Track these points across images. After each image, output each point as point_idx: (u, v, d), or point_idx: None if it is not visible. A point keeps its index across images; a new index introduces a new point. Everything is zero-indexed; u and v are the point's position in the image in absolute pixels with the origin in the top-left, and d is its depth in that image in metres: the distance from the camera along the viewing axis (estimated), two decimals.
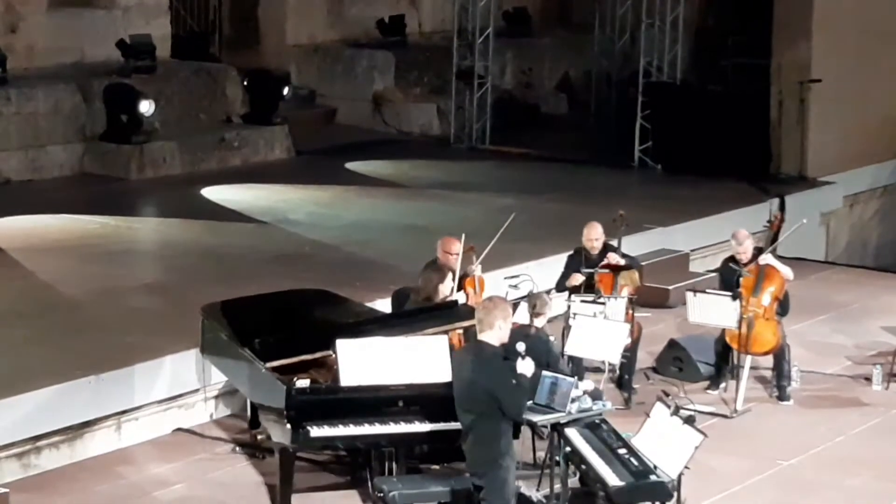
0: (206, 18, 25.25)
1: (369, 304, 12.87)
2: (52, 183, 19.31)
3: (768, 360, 13.31)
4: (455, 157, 22.18)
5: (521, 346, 9.54)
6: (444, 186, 19.92)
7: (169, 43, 22.36)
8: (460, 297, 12.27)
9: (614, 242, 13.46)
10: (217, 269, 15.29)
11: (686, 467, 9.65)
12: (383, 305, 13.23)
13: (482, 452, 9.29)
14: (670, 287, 15.82)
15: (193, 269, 15.30)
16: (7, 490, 10.19)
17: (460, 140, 22.98)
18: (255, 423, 11.54)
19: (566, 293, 13.06)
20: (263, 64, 23.74)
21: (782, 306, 13.15)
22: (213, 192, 19.05)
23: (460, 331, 11.45)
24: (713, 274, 14.88)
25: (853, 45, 21.08)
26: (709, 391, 13.32)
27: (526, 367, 9.49)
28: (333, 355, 10.55)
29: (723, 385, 13.31)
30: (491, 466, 9.28)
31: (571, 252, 13.44)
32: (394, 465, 10.63)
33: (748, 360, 12.99)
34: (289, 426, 10.22)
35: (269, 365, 10.62)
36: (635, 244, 15.08)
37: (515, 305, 11.41)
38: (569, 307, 12.72)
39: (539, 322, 11.59)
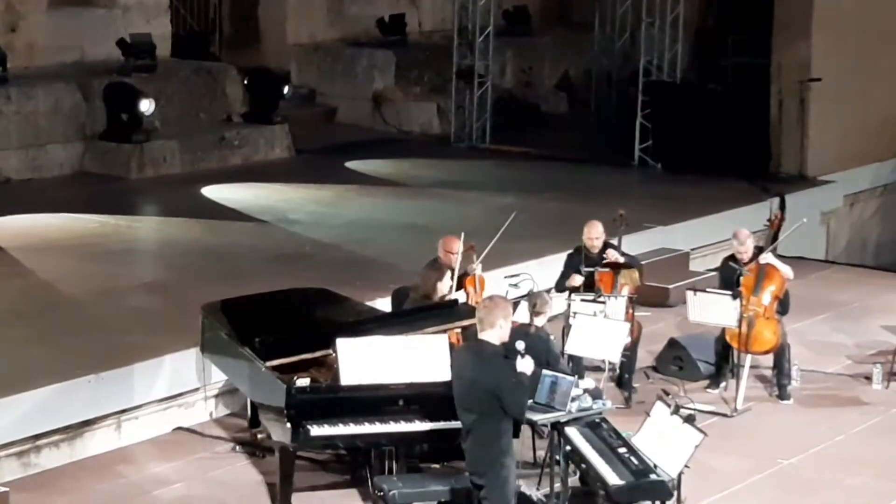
0: (207, 17, 25.26)
1: (369, 303, 12.87)
2: (52, 182, 19.31)
3: (768, 359, 13.31)
4: (455, 156, 22.17)
5: (520, 345, 9.54)
6: (444, 185, 19.92)
7: (169, 42, 22.37)
8: (460, 296, 12.28)
9: (614, 241, 13.46)
10: (217, 268, 15.29)
11: (686, 466, 9.65)
12: (383, 304, 13.24)
13: (483, 452, 9.28)
14: (670, 286, 15.81)
15: (193, 269, 15.30)
16: (7, 489, 10.20)
17: (460, 139, 22.98)
18: (255, 422, 11.54)
19: (566, 292, 13.05)
20: (264, 63, 23.74)
21: (782, 305, 13.14)
22: (213, 192, 19.05)
23: (458, 330, 11.46)
24: (713, 273, 14.90)
25: (853, 44, 21.08)
26: (709, 390, 13.31)
27: (525, 365, 9.48)
28: (333, 354, 10.55)
29: (723, 384, 13.30)
30: (492, 466, 9.27)
31: (571, 251, 13.44)
32: (394, 464, 10.63)
33: (748, 359, 12.98)
34: (289, 425, 10.22)
35: (269, 364, 10.62)
36: (635, 243, 15.08)
37: (516, 304, 11.41)
38: (569, 306, 12.71)
39: (539, 321, 11.58)
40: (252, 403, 11.41)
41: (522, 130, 23.53)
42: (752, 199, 19.28)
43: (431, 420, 10.36)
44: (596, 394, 10.81)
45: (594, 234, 13.22)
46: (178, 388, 12.24)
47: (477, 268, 12.61)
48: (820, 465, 11.78)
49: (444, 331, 11.04)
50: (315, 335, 10.97)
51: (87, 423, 11.61)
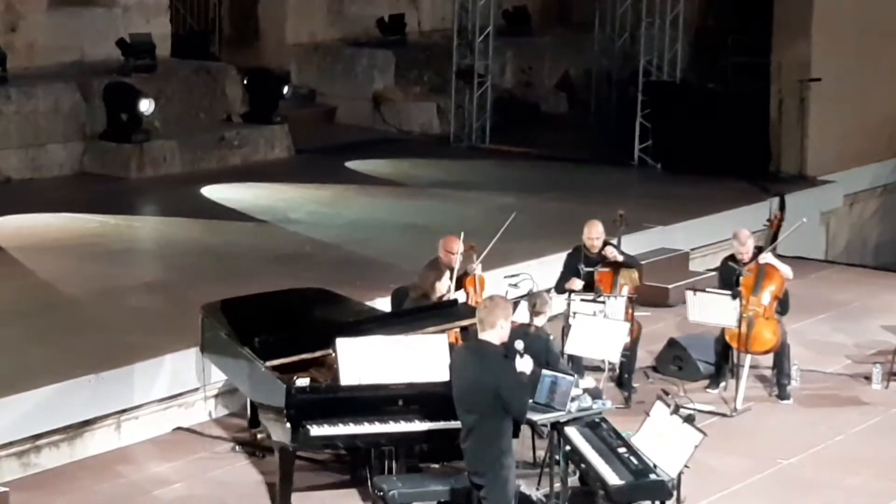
0: (206, 17, 25.25)
1: (369, 303, 12.87)
2: (52, 182, 19.31)
3: (768, 359, 13.32)
4: (455, 156, 22.17)
5: (519, 345, 9.55)
6: (444, 185, 19.92)
7: (169, 42, 22.36)
8: (460, 296, 12.28)
9: (614, 241, 13.46)
10: (217, 268, 15.29)
11: (686, 466, 9.65)
12: (383, 304, 13.25)
13: (484, 452, 9.28)
14: (670, 286, 15.81)
15: (193, 268, 15.30)
16: (7, 489, 10.19)
17: (460, 139, 22.98)
18: (254, 421, 11.54)
19: (566, 293, 13.05)
20: (263, 63, 23.74)
21: (782, 305, 13.15)
22: (212, 191, 19.04)
23: (458, 329, 11.46)
24: (713, 273, 14.89)
25: (853, 44, 21.09)
26: (708, 390, 13.31)
27: (524, 365, 9.49)
28: (333, 354, 10.55)
29: (722, 384, 13.30)
30: (492, 466, 9.27)
31: (570, 251, 13.44)
32: (393, 464, 10.63)
33: (748, 359, 12.98)
34: (288, 425, 10.22)
35: (268, 364, 10.62)
36: (635, 243, 15.08)
37: (515, 304, 11.41)
38: (569, 306, 12.71)
39: (539, 321, 11.58)
40: (252, 403, 11.41)
41: (522, 130, 23.53)
42: (751, 199, 19.27)
43: (431, 420, 10.37)
44: (595, 394, 10.81)
45: (594, 234, 13.22)
46: (178, 388, 12.24)
47: (477, 268, 12.61)
48: (820, 464, 11.78)
49: (444, 331, 11.04)
50: (315, 335, 10.97)
51: (87, 423, 11.61)
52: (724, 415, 12.65)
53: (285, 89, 21.83)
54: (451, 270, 12.35)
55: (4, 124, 19.12)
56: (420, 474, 10.62)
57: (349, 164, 21.14)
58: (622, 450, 9.84)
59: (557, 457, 10.32)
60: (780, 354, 13.09)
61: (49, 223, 17.10)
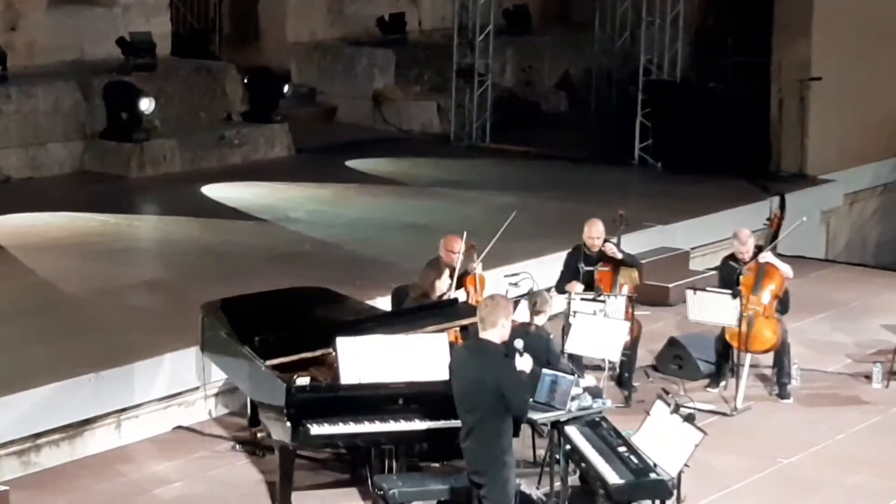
0: (207, 16, 25.25)
1: (369, 302, 12.87)
2: (52, 181, 19.30)
3: (768, 358, 13.32)
4: (455, 155, 22.17)
5: (518, 344, 9.55)
6: (444, 184, 19.91)
7: (169, 41, 22.36)
8: (461, 295, 12.28)
9: (614, 240, 13.44)
10: (217, 267, 15.29)
11: (686, 465, 9.65)
12: (383, 303, 13.24)
13: (484, 451, 9.27)
14: (670, 285, 15.81)
15: (193, 267, 15.30)
16: (7, 488, 10.17)
17: (460, 138, 22.97)
18: (255, 420, 11.54)
19: (566, 293, 13.05)
20: (263, 62, 23.73)
21: (782, 304, 13.15)
22: (213, 190, 19.04)
23: (457, 329, 11.46)
24: (713, 272, 14.89)
25: (853, 43, 21.08)
26: (709, 389, 13.31)
27: (524, 363, 9.49)
28: (333, 353, 10.55)
29: (723, 383, 13.30)
30: (493, 465, 9.26)
31: (570, 250, 13.44)
32: (393, 463, 10.63)
33: (748, 359, 12.98)
34: (289, 424, 10.22)
35: (268, 363, 10.62)
36: (635, 242, 15.07)
37: (516, 303, 11.41)
38: (569, 305, 12.71)
39: (539, 320, 11.58)
40: (252, 402, 11.41)
41: (522, 129, 23.52)
42: (752, 198, 19.27)
43: (431, 419, 10.37)
44: (596, 393, 10.81)
45: (595, 233, 13.21)
46: (178, 387, 12.24)
47: (477, 267, 12.61)
48: (820, 464, 11.78)
49: (444, 330, 11.04)
50: (315, 334, 10.97)
51: (87, 422, 11.61)
52: (724, 414, 12.65)
53: (285, 88, 21.82)
54: (452, 270, 12.35)
55: (4, 123, 19.12)
56: (420, 473, 10.62)
57: (349, 164, 21.14)
58: (622, 449, 9.85)
59: (558, 456, 10.32)
60: (781, 353, 13.09)
61: (49, 222, 17.10)
